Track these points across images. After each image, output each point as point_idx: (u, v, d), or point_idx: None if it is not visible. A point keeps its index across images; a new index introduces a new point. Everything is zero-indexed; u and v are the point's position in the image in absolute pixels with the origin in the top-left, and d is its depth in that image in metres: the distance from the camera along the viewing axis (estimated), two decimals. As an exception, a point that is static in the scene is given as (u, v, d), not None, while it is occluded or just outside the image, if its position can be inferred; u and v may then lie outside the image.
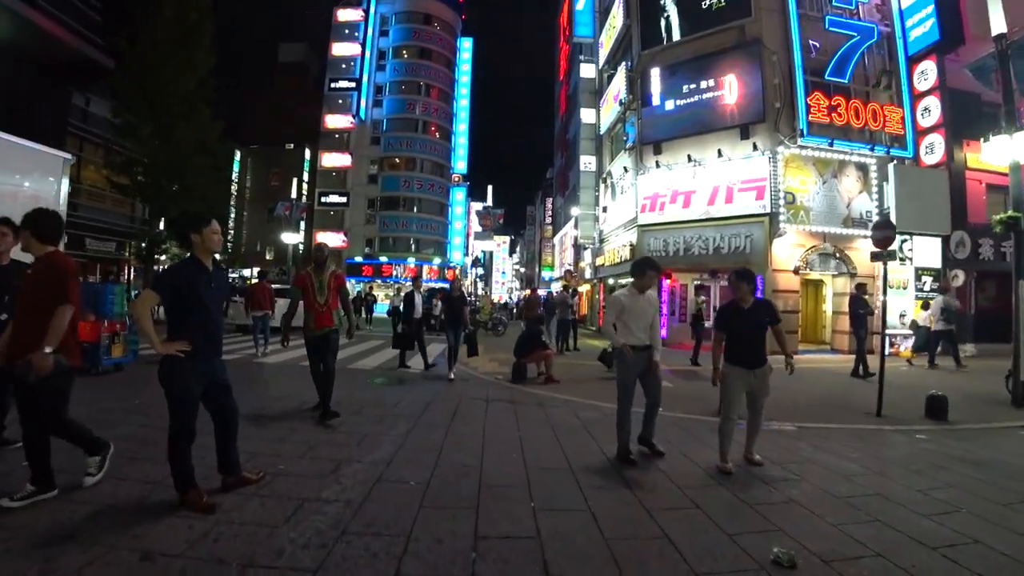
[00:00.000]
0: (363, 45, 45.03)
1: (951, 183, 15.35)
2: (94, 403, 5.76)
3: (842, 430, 6.00)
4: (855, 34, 15.55)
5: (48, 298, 2.98)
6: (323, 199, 44.70)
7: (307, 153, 46.63)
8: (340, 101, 44.59)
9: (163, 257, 24.07)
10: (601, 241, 23.55)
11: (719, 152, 15.63)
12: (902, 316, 14.99)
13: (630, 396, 4.56)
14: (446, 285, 9.62)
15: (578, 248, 29.66)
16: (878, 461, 4.79)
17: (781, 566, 2.70)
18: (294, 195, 34.27)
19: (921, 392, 7.56)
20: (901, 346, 14.98)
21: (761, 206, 14.64)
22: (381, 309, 27.57)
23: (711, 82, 16.01)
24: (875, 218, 15.00)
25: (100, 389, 6.48)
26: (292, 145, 47.12)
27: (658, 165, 17.07)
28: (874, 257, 7.21)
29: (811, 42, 15.33)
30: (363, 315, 21.62)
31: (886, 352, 14.10)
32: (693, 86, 16.40)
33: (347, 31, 45.67)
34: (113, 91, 19.91)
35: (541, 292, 23.58)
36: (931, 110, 15.65)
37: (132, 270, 27.30)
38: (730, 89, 15.61)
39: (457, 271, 36.61)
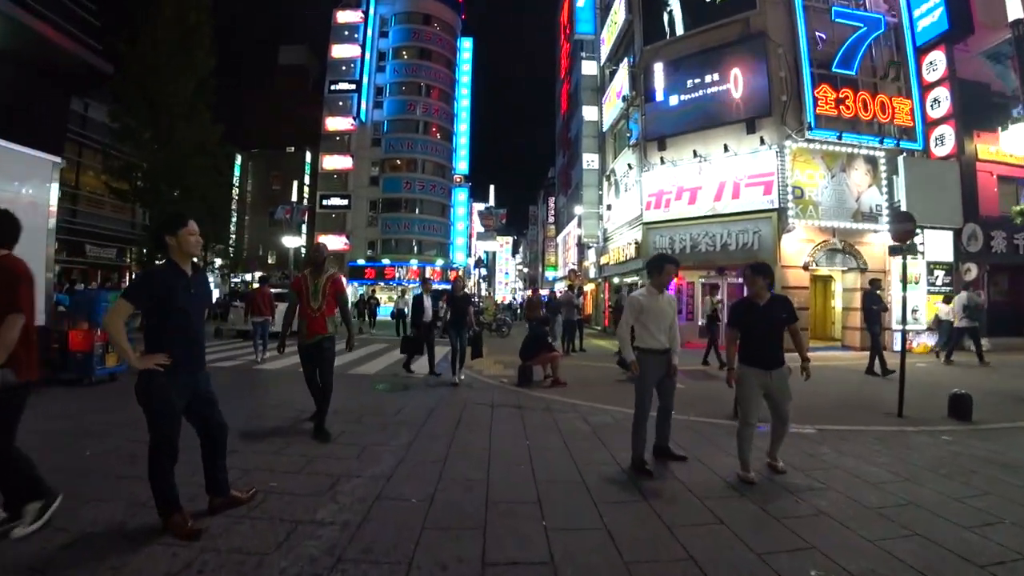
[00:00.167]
0: (363, 46, 44.83)
1: (961, 175, 15.07)
2: (84, 415, 5.57)
3: (864, 432, 5.74)
4: (862, 25, 15.25)
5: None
6: (324, 202, 44.50)
7: (308, 156, 46.50)
8: (340, 103, 44.40)
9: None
10: (605, 240, 23.29)
11: (725, 147, 15.36)
12: (914, 311, 14.68)
13: (648, 404, 4.32)
14: (449, 286, 9.25)
15: (582, 247, 29.39)
16: (906, 466, 4.52)
17: (820, 593, 2.45)
18: (294, 198, 34.10)
19: (940, 390, 7.30)
20: (914, 342, 14.69)
21: (769, 201, 14.36)
22: (385, 312, 27.38)
23: (716, 76, 15.74)
24: (885, 212, 14.75)
25: (92, 400, 6.28)
26: (293, 148, 47.03)
27: (663, 161, 16.81)
28: (893, 251, 6.95)
29: (817, 34, 15.06)
30: (366, 319, 21.39)
31: (898, 348, 14.00)
32: (697, 80, 16.14)
33: (347, 32, 45.48)
34: (113, 94, 19.78)
35: (543, 292, 23.30)
36: (941, 101, 15.35)
37: (133, 276, 27.19)
38: (735, 83, 15.34)
39: (460, 272, 36.36)
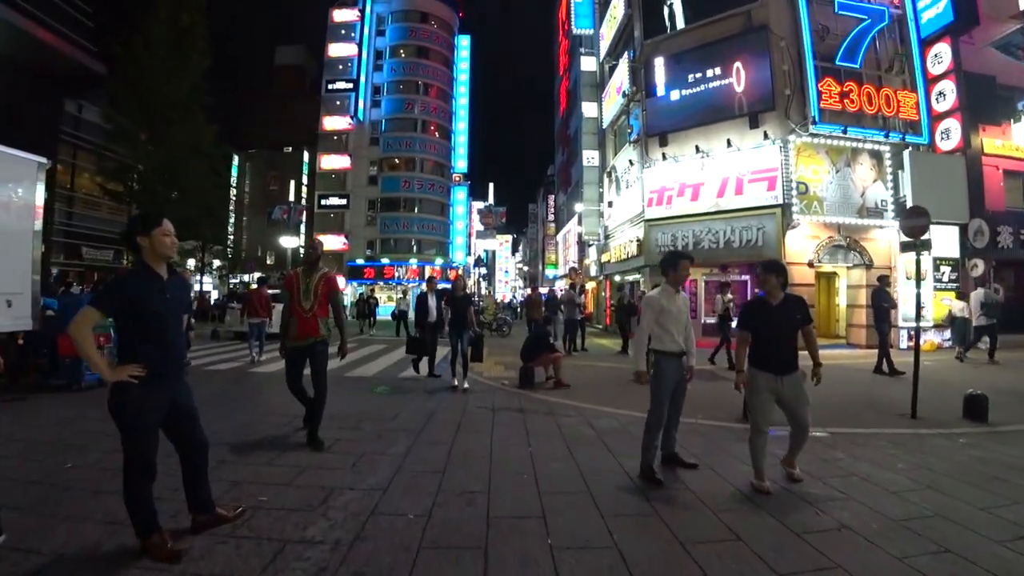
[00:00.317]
0: (360, 45, 44.56)
1: (967, 170, 14.87)
2: (70, 423, 5.37)
3: (878, 435, 5.54)
4: (866, 17, 14.99)
5: None
6: (323, 202, 44.26)
7: (306, 156, 46.25)
8: (338, 102, 44.14)
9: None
10: (606, 237, 23.07)
11: (728, 142, 15.13)
12: (921, 308, 14.45)
13: (666, 410, 4.14)
14: (449, 285, 8.93)
15: (582, 245, 29.18)
16: (926, 472, 4.32)
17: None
18: (291, 198, 33.88)
19: (951, 389, 7.13)
20: (921, 339, 14.46)
21: (773, 197, 14.14)
22: (384, 312, 27.16)
23: (718, 70, 15.51)
24: (891, 207, 14.54)
25: (81, 406, 6.07)
26: (291, 148, 46.79)
27: (664, 157, 16.58)
28: (905, 248, 6.74)
29: (821, 26, 14.81)
30: (367, 319, 21.13)
31: (905, 346, 13.80)
32: (699, 75, 15.90)
33: (343, 31, 45.20)
34: (107, 95, 19.59)
35: (542, 291, 23.05)
36: (946, 94, 15.12)
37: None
38: (737, 77, 15.11)
39: (460, 271, 36.16)
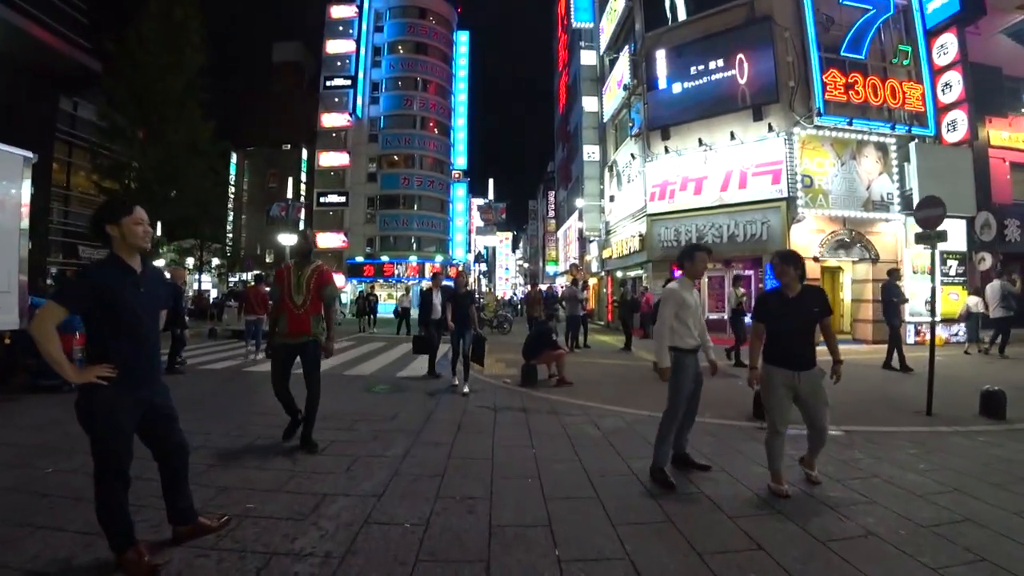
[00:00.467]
0: (358, 42, 44.29)
1: (973, 162, 14.63)
2: (56, 425, 5.15)
3: (895, 434, 5.34)
4: (871, 7, 14.74)
5: None
6: (322, 199, 44.05)
7: (304, 153, 45.98)
8: (336, 99, 43.90)
9: (162, 262, 23.44)
10: (608, 233, 22.84)
11: (731, 135, 14.89)
12: (928, 303, 14.24)
13: (683, 409, 3.96)
14: (449, 283, 8.65)
15: (583, 241, 28.96)
16: (950, 473, 4.10)
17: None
18: (289, 195, 33.65)
19: (964, 385, 6.94)
20: (928, 334, 14.26)
21: (777, 190, 13.92)
22: (386, 309, 26.97)
23: (720, 62, 15.27)
24: (897, 200, 14.32)
25: (69, 408, 5.81)
26: (289, 145, 46.46)
27: (667, 151, 16.35)
28: (919, 239, 6.53)
29: (825, 16, 14.56)
30: (367, 317, 20.89)
31: (912, 341, 13.60)
32: (701, 67, 15.66)
33: (341, 28, 44.92)
34: (102, 92, 19.37)
35: (541, 287, 22.78)
36: (952, 85, 14.89)
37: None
38: (741, 69, 14.87)
39: (461, 267, 35.92)
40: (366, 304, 21.05)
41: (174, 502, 2.73)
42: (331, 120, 43.89)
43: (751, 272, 14.95)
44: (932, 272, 6.72)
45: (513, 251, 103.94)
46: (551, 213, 51.05)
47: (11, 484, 3.59)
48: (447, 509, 3.23)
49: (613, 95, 20.59)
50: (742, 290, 10.53)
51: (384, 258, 42.60)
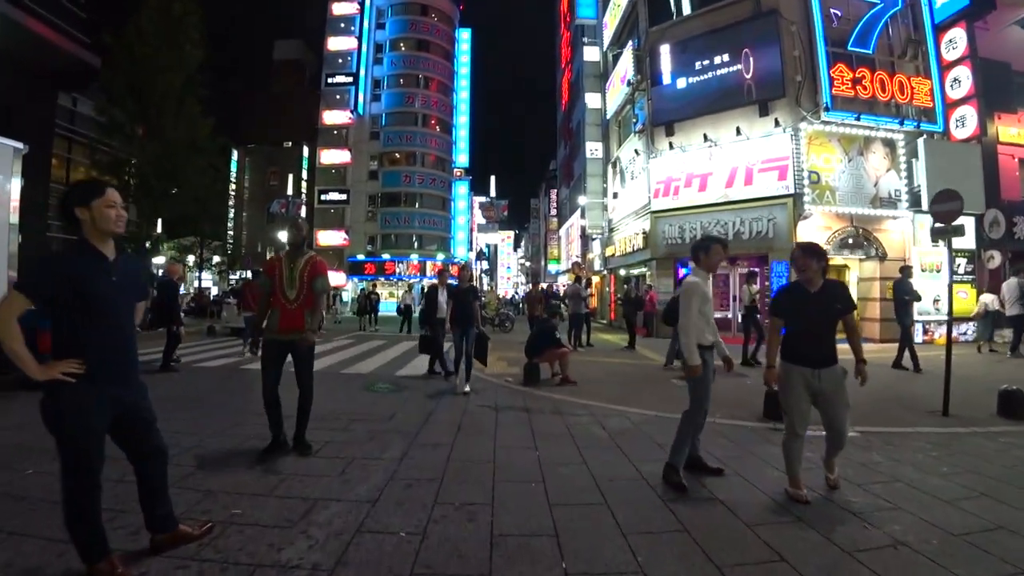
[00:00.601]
0: (359, 39, 44.09)
1: (982, 158, 14.39)
2: (40, 425, 4.96)
3: (912, 435, 5.14)
4: (878, 1, 14.51)
5: None
6: (323, 197, 43.88)
7: (305, 151, 45.83)
8: (338, 97, 43.74)
9: (162, 259, 23.26)
10: (611, 230, 22.62)
11: (737, 130, 14.66)
12: (936, 301, 14.04)
13: (706, 411, 3.80)
14: (452, 281, 8.37)
15: (586, 239, 28.73)
16: (975, 477, 3.90)
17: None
18: (290, 192, 33.48)
19: (977, 384, 6.75)
20: (936, 333, 14.09)
21: (784, 187, 13.70)
22: (387, 308, 26.79)
23: (726, 57, 15.03)
24: (905, 197, 14.11)
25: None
26: (290, 143, 46.31)
27: (671, 147, 16.13)
28: (936, 234, 6.32)
29: (832, 10, 14.33)
30: (368, 316, 20.67)
31: (920, 340, 13.38)
32: (706, 62, 15.43)
33: (342, 25, 44.71)
34: (101, 87, 19.17)
35: (542, 286, 22.59)
36: (961, 81, 14.65)
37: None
38: (746, 63, 14.63)
39: (462, 265, 35.73)
40: (367, 302, 20.83)
41: (152, 509, 2.53)
42: (332, 117, 43.71)
43: (756, 270, 14.71)
44: (950, 268, 6.49)
45: (515, 250, 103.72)
46: (553, 211, 50.81)
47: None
48: (446, 516, 3.02)
49: (616, 91, 20.37)
50: (756, 287, 10.21)
51: (385, 256, 42.43)
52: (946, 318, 13.81)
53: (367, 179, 44.00)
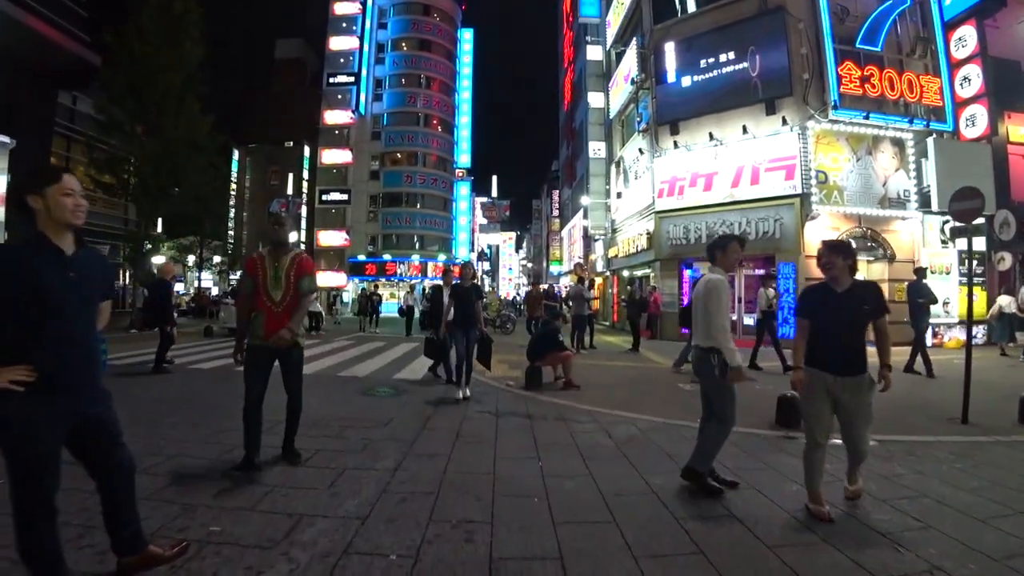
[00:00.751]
0: (361, 38, 43.86)
1: (992, 158, 14.14)
2: None
3: (934, 444, 4.90)
4: (887, -3, 14.28)
5: None
6: (324, 197, 43.65)
7: (307, 150, 45.62)
8: (339, 96, 43.53)
9: (162, 259, 23.05)
10: (614, 231, 22.38)
11: (744, 129, 14.40)
12: (946, 304, 13.77)
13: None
14: (456, 282, 7.94)
15: (588, 240, 28.48)
16: (1007, 492, 3.65)
17: None
18: (290, 192, 33.27)
19: (995, 390, 6.52)
20: (945, 336, 13.84)
21: (791, 187, 13.44)
22: (388, 309, 26.57)
23: (732, 54, 14.78)
24: (914, 198, 13.86)
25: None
26: (291, 143, 46.08)
27: (676, 146, 15.88)
28: (955, 234, 6.08)
29: (840, 7, 14.09)
30: (368, 316, 20.43)
31: (929, 343, 13.10)
32: (712, 60, 15.18)
33: (344, 24, 44.48)
34: (101, 86, 19.01)
35: (542, 287, 22.31)
36: (971, 79, 14.45)
37: (128, 275, 26.34)
38: (753, 61, 14.39)
39: (464, 264, 35.46)
40: (368, 303, 20.58)
41: (116, 529, 2.29)
42: (334, 117, 43.51)
43: (761, 271, 14.46)
44: (970, 270, 6.25)
45: (516, 251, 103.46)
46: (555, 212, 50.54)
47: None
48: (441, 536, 2.78)
49: (620, 90, 20.14)
50: (772, 290, 9.85)
51: (387, 257, 42.21)
52: (955, 321, 13.78)
53: (368, 179, 43.78)
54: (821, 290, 3.37)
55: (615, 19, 21.72)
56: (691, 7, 16.18)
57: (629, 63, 18.45)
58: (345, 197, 43.28)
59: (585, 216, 26.69)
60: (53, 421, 1.99)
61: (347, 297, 37.60)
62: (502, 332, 18.20)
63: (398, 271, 41.57)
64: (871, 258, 14.11)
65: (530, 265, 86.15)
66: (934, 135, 14.06)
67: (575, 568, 2.48)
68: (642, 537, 2.82)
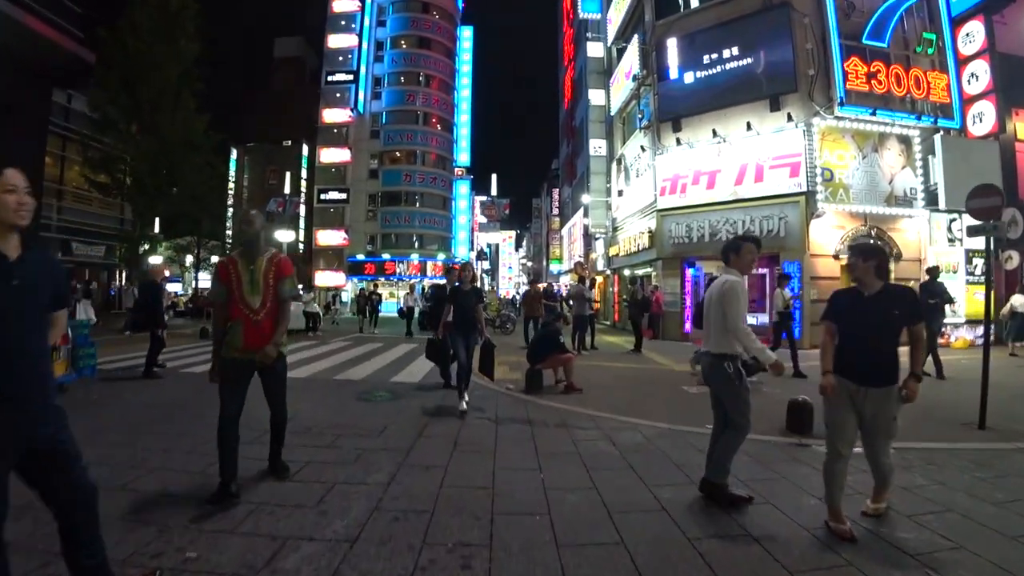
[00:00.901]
0: (360, 36, 43.58)
1: (1000, 155, 13.92)
2: None
3: (952, 451, 4.71)
4: (893, -8, 14.04)
5: None
6: (322, 196, 43.41)
7: (305, 149, 45.37)
8: (338, 95, 43.25)
9: (159, 259, 22.87)
10: (614, 229, 22.17)
11: (748, 125, 14.15)
12: (952, 303, 13.56)
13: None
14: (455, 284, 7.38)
15: (588, 238, 28.27)
16: (1036, 505, 3.45)
17: None
18: (287, 190, 33.03)
19: (1007, 392, 6.36)
20: (952, 336, 13.63)
21: (796, 184, 13.22)
22: (388, 308, 26.36)
23: (735, 50, 14.55)
24: (920, 195, 13.64)
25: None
26: (290, 142, 45.82)
27: (678, 143, 15.65)
28: (973, 232, 5.87)
29: (846, 2, 13.85)
30: (367, 316, 20.20)
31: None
32: (715, 56, 14.95)
33: (343, 22, 44.20)
34: (95, 82, 18.81)
35: (540, 286, 22.10)
36: (979, 76, 14.23)
37: (124, 275, 26.17)
38: (757, 57, 14.16)
39: (464, 264, 35.23)
40: (367, 303, 20.34)
41: (76, 559, 2.05)
42: (332, 116, 43.25)
43: (765, 271, 14.25)
44: (988, 270, 6.05)
45: (516, 250, 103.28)
46: (555, 211, 50.33)
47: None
48: (435, 562, 2.56)
49: (621, 87, 19.91)
50: (788, 292, 9.54)
51: (386, 256, 41.99)
52: (962, 321, 13.58)
53: (367, 178, 43.53)
54: (850, 293, 3.19)
55: (616, 15, 21.50)
56: (694, 2, 15.96)
57: (630, 59, 18.23)
58: (344, 196, 43.04)
59: (585, 214, 26.50)
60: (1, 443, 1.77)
61: (346, 297, 37.39)
62: (502, 332, 17.99)
63: (397, 270, 41.36)
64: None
65: (530, 264, 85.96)
66: (941, 132, 13.85)
67: (581, 600, 2.27)
68: (653, 561, 2.61)
